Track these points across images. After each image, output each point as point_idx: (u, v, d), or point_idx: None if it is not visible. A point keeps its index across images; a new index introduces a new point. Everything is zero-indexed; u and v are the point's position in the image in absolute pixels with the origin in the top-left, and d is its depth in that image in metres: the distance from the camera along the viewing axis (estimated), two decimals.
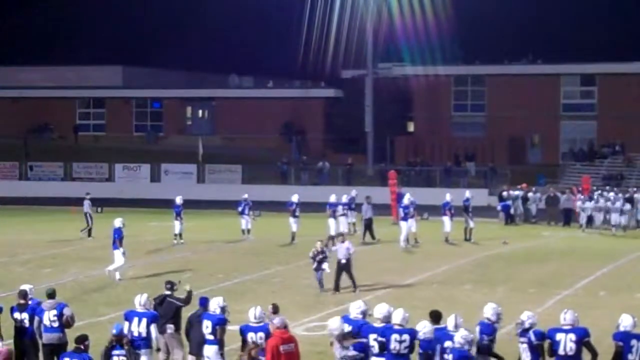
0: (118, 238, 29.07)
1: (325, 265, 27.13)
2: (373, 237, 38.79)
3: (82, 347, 15.17)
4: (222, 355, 16.91)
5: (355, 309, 16.20)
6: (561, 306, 24.82)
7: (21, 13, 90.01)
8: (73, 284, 28.17)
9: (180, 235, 37.83)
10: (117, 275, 28.91)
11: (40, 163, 63.20)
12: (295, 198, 38.45)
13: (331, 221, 37.46)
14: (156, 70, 79.72)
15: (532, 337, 15.40)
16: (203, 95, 77.86)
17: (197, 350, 17.32)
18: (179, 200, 37.94)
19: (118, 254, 28.99)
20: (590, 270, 31.35)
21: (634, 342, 15.10)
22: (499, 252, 35.65)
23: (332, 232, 36.79)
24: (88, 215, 39.95)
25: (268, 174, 60.28)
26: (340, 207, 38.46)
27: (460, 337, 14.80)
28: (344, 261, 27.15)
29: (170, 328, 18.01)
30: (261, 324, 16.18)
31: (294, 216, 38.11)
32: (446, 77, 69.91)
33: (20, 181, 61.96)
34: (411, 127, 73.73)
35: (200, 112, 78.48)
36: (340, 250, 27.41)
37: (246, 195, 40.07)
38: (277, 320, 15.68)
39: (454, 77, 71.25)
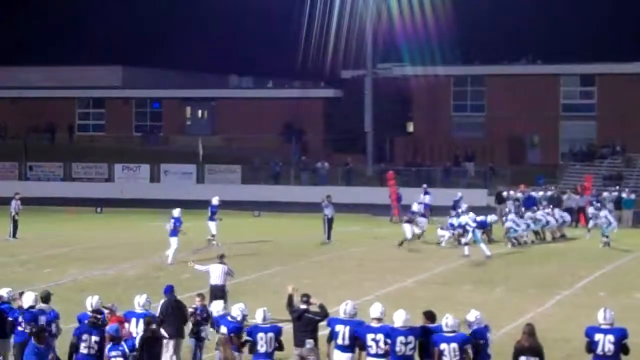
0: None
1: (205, 332, 18.91)
2: (329, 237, 38.08)
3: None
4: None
5: (343, 309, 16.29)
6: (561, 306, 24.82)
7: (21, 13, 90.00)
8: (72, 284, 28.16)
9: (213, 235, 36.96)
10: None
11: (40, 163, 63.12)
12: (216, 200, 37.41)
13: (406, 226, 36.79)
14: (156, 71, 79.65)
15: None
16: (203, 96, 77.83)
17: (174, 333, 17.98)
18: (215, 200, 37.36)
19: None
20: (590, 270, 31.32)
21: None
22: (498, 252, 35.60)
23: (409, 236, 36.60)
24: (11, 215, 39.24)
25: (267, 174, 60.25)
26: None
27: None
28: (220, 284, 23.22)
29: (309, 343, 17.37)
30: (268, 324, 16.59)
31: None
32: (446, 77, 69.82)
33: (20, 181, 61.78)
34: (410, 128, 73.68)
35: (199, 112, 78.46)
36: (215, 272, 23.48)
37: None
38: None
39: (454, 77, 71.17)
